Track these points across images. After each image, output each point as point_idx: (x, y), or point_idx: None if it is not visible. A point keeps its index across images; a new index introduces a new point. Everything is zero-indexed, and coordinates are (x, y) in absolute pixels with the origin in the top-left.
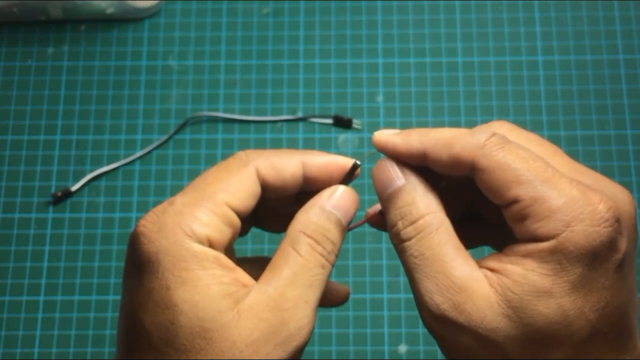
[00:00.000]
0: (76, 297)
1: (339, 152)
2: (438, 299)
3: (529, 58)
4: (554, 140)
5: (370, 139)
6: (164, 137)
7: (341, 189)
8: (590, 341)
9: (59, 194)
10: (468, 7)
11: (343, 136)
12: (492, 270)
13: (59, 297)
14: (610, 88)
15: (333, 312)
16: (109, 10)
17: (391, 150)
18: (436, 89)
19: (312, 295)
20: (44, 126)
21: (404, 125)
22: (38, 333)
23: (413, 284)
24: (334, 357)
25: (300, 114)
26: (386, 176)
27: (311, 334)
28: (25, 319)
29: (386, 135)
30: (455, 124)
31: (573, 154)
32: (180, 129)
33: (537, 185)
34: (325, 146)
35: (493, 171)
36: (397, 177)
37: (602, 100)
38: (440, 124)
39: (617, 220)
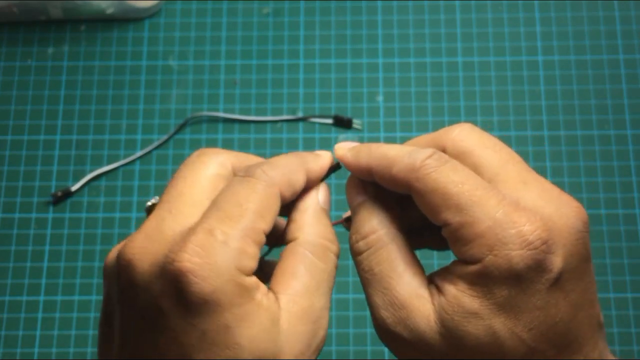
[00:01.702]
0: (76, 297)
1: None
2: (384, 313)
3: (529, 58)
4: (554, 140)
5: (370, 140)
6: (164, 137)
7: (325, 188)
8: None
9: (59, 194)
10: (468, 7)
11: (343, 136)
12: (437, 286)
13: (59, 297)
14: (610, 88)
15: (333, 312)
16: (109, 10)
17: (345, 165)
18: (436, 89)
19: (329, 300)
20: (44, 126)
21: (404, 125)
22: (38, 333)
23: (366, 297)
24: (334, 357)
25: (300, 114)
26: (352, 190)
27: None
28: (25, 319)
29: (342, 150)
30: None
31: (573, 154)
32: (180, 129)
33: (464, 209)
34: (325, 146)
35: (425, 194)
36: (359, 192)
37: (602, 100)
38: (440, 124)
39: (545, 242)
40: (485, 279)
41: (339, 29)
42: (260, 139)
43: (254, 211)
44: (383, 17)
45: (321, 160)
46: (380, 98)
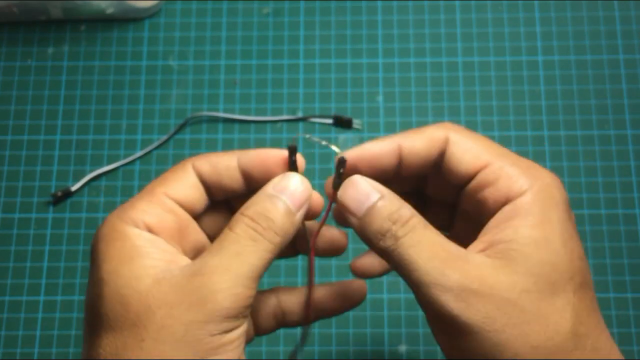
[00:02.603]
0: (76, 297)
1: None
2: (449, 271)
3: (529, 58)
4: (554, 140)
5: (370, 139)
6: (164, 137)
7: (287, 175)
8: (582, 290)
9: (59, 194)
10: (468, 7)
11: (343, 136)
12: (481, 251)
13: (59, 297)
14: (610, 88)
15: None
16: (109, 10)
17: (367, 157)
18: (436, 89)
19: (237, 265)
20: (44, 126)
21: (404, 125)
22: (38, 333)
23: (416, 272)
24: (334, 357)
25: (300, 114)
26: (360, 193)
27: (240, 303)
28: (25, 319)
29: (356, 151)
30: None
31: (573, 154)
32: (180, 129)
33: (503, 156)
34: (325, 146)
35: (465, 142)
36: (372, 191)
37: (602, 100)
38: None
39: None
40: (539, 205)
41: (339, 29)
42: (260, 139)
43: (155, 180)
44: (383, 17)
45: (260, 149)
46: (380, 98)
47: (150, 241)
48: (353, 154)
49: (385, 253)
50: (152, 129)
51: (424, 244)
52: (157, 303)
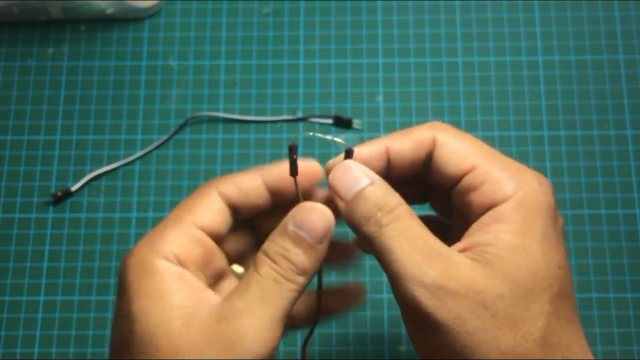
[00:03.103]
0: (76, 297)
1: (339, 152)
2: (427, 267)
3: (529, 58)
4: (554, 140)
5: (370, 139)
6: (164, 137)
7: (305, 207)
8: (559, 300)
9: (59, 194)
10: (468, 7)
11: (343, 136)
12: (462, 250)
13: (59, 297)
14: (610, 88)
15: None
16: (109, 10)
17: (357, 152)
18: (436, 89)
19: (263, 308)
20: (44, 126)
21: (404, 125)
22: (38, 333)
23: (395, 263)
24: (334, 357)
25: (300, 114)
26: (350, 177)
27: (266, 348)
28: (25, 319)
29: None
30: (455, 124)
31: (573, 154)
32: (180, 129)
33: (490, 158)
34: (325, 146)
35: (452, 144)
36: (363, 176)
37: (602, 100)
38: None
39: (554, 193)
40: (522, 212)
41: (339, 29)
42: (260, 139)
43: (184, 209)
44: (383, 17)
45: (281, 165)
46: (380, 98)
47: (179, 276)
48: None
49: (368, 239)
50: (152, 129)
51: (406, 235)
52: (187, 346)
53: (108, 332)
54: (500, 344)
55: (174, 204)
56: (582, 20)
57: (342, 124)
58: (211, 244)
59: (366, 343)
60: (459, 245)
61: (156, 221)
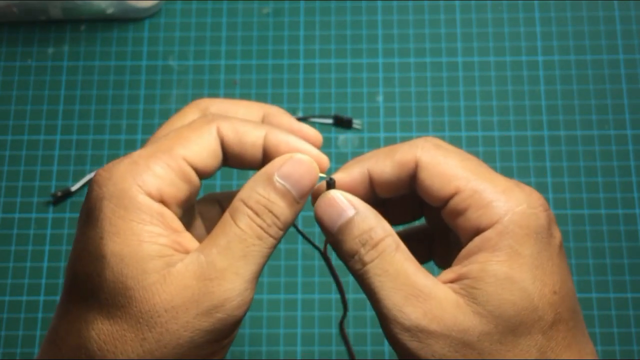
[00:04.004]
0: None
1: (339, 152)
2: (408, 309)
3: (529, 58)
4: (554, 140)
5: (370, 139)
6: None
7: (294, 157)
8: (555, 328)
9: (59, 194)
10: (468, 7)
11: (343, 136)
12: (450, 281)
13: (59, 297)
14: (610, 88)
15: (333, 313)
16: (109, 10)
17: (341, 187)
18: (436, 89)
19: (245, 267)
20: (44, 126)
21: (404, 125)
22: (38, 333)
23: (379, 303)
24: (334, 357)
25: (300, 114)
26: (334, 209)
27: (244, 307)
28: (25, 319)
29: (337, 176)
30: (455, 124)
31: (573, 154)
32: None
33: (475, 179)
34: (325, 146)
35: (435, 166)
36: (347, 207)
37: (602, 100)
38: (440, 124)
39: (548, 208)
40: (508, 240)
41: (339, 29)
42: None
43: (177, 139)
44: (383, 17)
45: (290, 136)
46: (380, 98)
47: (159, 216)
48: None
49: (355, 276)
50: (152, 129)
51: (389, 273)
52: (163, 305)
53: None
54: None
55: None
56: (582, 20)
57: (342, 123)
58: (197, 183)
59: (366, 343)
60: (447, 274)
61: None
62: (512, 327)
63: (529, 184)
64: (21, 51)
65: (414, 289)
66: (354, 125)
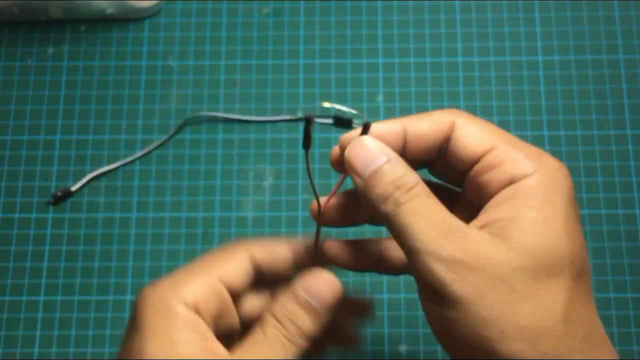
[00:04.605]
0: (76, 297)
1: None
2: (444, 242)
3: (529, 58)
4: (554, 140)
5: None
6: (164, 137)
7: (317, 275)
8: (582, 278)
9: (59, 194)
10: (468, 7)
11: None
12: (481, 227)
13: (59, 297)
14: (610, 88)
15: None
16: (109, 10)
17: (375, 134)
18: (436, 89)
19: None
20: (44, 126)
21: None
22: (38, 333)
23: (412, 240)
24: (334, 357)
25: (300, 114)
26: (367, 154)
27: None
28: (25, 319)
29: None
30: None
31: (573, 154)
32: (180, 129)
33: (509, 140)
34: (325, 146)
35: (471, 126)
36: (380, 153)
37: (602, 100)
38: None
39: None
40: (544, 189)
41: (339, 29)
42: (260, 139)
43: (212, 258)
44: (383, 17)
45: (302, 243)
46: (380, 98)
47: (194, 324)
48: (349, 136)
49: (385, 218)
50: (152, 129)
51: (423, 213)
52: None
53: (108, 332)
54: (519, 318)
55: (174, 204)
56: (582, 20)
57: (342, 124)
58: (228, 298)
59: (366, 343)
60: (476, 222)
61: (156, 221)
62: (545, 265)
63: None
64: (21, 51)
65: (448, 225)
66: (354, 125)
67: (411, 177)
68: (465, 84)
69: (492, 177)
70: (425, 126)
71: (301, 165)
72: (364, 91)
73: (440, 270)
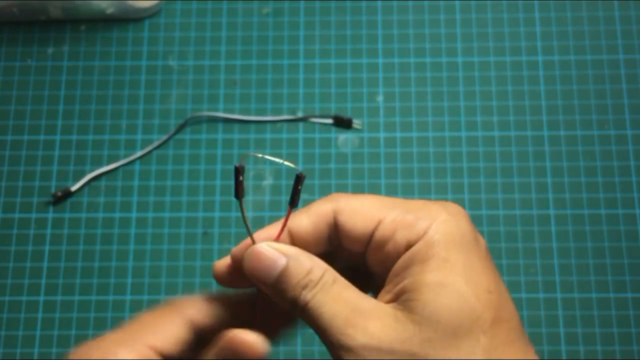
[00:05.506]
0: (76, 297)
1: (339, 152)
2: (349, 330)
3: (529, 58)
4: (554, 140)
5: (370, 139)
6: (164, 137)
7: (231, 339)
8: (496, 326)
9: (59, 194)
10: (468, 7)
11: (343, 136)
12: (388, 302)
13: (59, 297)
14: (610, 88)
15: None
16: (109, 10)
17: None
18: (436, 89)
19: None
20: (44, 126)
21: (404, 125)
22: (38, 333)
23: (324, 335)
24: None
25: (300, 114)
26: (265, 261)
27: None
28: (25, 319)
29: (243, 245)
30: (455, 124)
31: (573, 154)
32: (180, 129)
33: (393, 206)
34: (325, 146)
35: (352, 207)
36: (278, 256)
37: (602, 100)
38: (440, 124)
39: (467, 215)
40: (437, 248)
41: (339, 29)
42: (260, 139)
43: (146, 327)
44: (383, 17)
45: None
46: (380, 98)
47: None
48: (239, 250)
49: (301, 317)
50: (152, 129)
51: (329, 302)
52: None
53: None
54: None
55: (174, 204)
56: (582, 20)
57: (342, 124)
58: None
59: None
60: (384, 296)
61: (156, 221)
62: (451, 329)
63: (528, 184)
64: (21, 51)
65: (353, 312)
66: (354, 125)
67: (317, 269)
68: (465, 84)
69: (389, 250)
70: (305, 221)
71: (301, 166)
72: (364, 91)
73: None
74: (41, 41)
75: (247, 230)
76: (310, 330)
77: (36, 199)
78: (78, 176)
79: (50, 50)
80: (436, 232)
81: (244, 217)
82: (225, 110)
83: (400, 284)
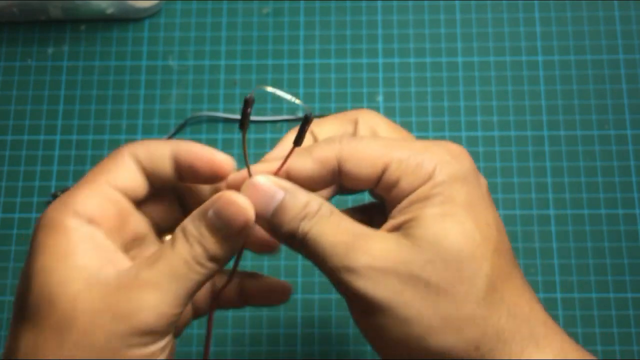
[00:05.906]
0: None
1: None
2: (351, 254)
3: (529, 58)
4: (554, 140)
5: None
6: (164, 137)
7: (223, 197)
8: (497, 257)
9: (59, 194)
10: (468, 7)
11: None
12: (388, 231)
13: None
14: (610, 88)
15: (333, 312)
16: (109, 10)
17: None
18: (436, 89)
19: (169, 285)
20: (44, 126)
21: (404, 125)
22: None
23: (325, 262)
24: (334, 357)
25: (300, 114)
26: (262, 194)
27: (163, 321)
28: None
29: (243, 172)
30: (455, 124)
31: (573, 154)
32: (180, 129)
33: (397, 150)
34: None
35: (358, 154)
36: (276, 190)
37: (602, 100)
38: (440, 124)
39: (469, 155)
40: (442, 187)
41: (339, 29)
42: (260, 139)
43: (97, 168)
44: (383, 17)
45: (199, 147)
46: (380, 98)
47: (88, 236)
48: (235, 179)
49: (298, 250)
50: (152, 129)
51: (328, 231)
52: (83, 309)
53: None
54: (440, 309)
55: None
56: (582, 20)
57: None
58: (127, 205)
59: (366, 343)
60: (384, 227)
61: None
62: (454, 254)
63: (528, 184)
64: (21, 51)
65: (354, 237)
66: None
67: (314, 202)
68: (465, 84)
69: (396, 194)
70: (308, 166)
71: None
72: (364, 91)
73: (355, 281)
74: (41, 41)
75: (245, 162)
76: (311, 330)
77: (36, 199)
78: (78, 176)
79: (50, 50)
80: (440, 173)
81: (244, 148)
82: (225, 110)
83: (401, 217)
